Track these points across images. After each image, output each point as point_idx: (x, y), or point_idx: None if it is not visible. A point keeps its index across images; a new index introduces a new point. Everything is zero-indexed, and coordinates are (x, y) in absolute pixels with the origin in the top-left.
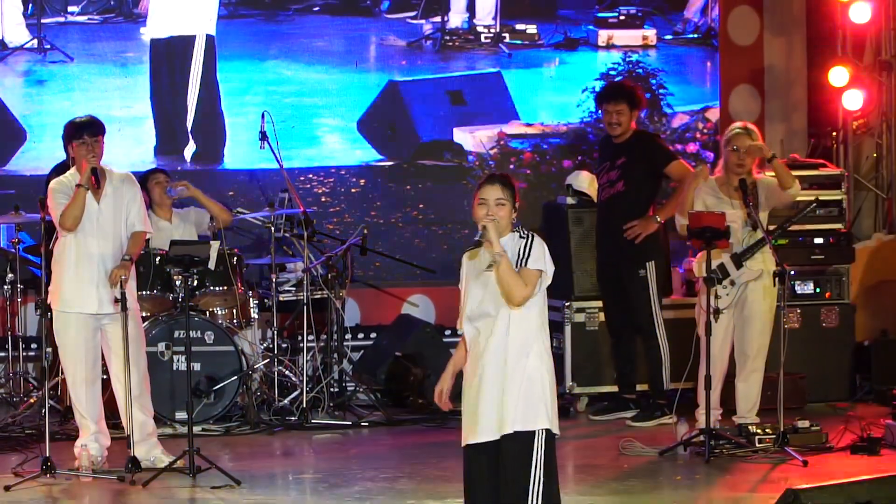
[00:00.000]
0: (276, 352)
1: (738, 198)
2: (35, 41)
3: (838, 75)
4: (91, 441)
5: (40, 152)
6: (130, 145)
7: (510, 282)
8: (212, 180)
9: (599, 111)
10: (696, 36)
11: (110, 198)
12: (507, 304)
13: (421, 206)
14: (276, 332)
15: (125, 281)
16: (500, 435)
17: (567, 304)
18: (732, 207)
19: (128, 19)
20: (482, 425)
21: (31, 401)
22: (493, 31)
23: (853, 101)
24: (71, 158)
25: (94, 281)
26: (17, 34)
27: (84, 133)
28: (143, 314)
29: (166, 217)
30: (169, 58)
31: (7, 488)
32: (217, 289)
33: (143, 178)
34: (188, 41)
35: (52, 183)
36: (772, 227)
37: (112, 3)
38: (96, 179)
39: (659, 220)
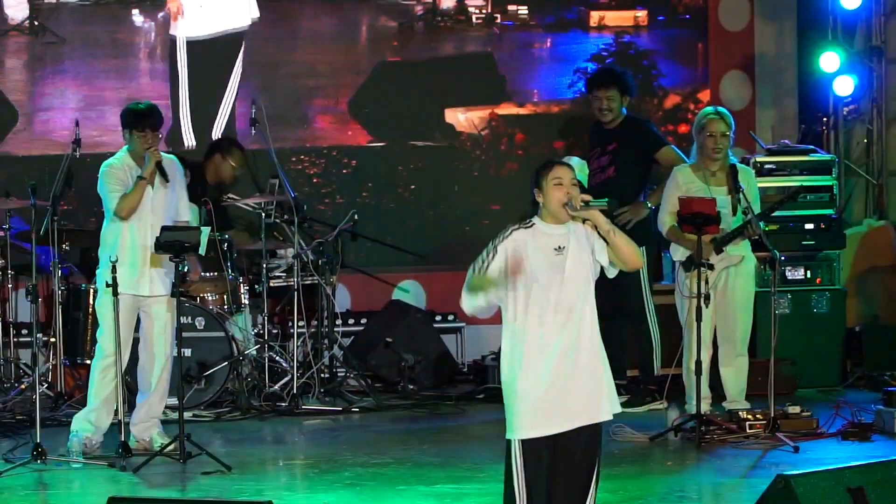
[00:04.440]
0: (266, 338)
1: (714, 183)
2: (27, 22)
3: (829, 61)
4: (88, 418)
5: (31, 134)
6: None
7: (629, 247)
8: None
9: (590, 97)
10: (687, 17)
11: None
12: (631, 268)
13: (412, 187)
14: (266, 318)
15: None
16: (594, 421)
17: None
18: (709, 193)
19: (120, 2)
20: (574, 412)
21: (22, 387)
22: (484, 11)
23: (844, 86)
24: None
25: (134, 262)
26: (18, 12)
27: (146, 126)
28: None
29: None
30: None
31: None
32: (208, 275)
33: None
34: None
35: (105, 167)
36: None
37: None
38: (164, 175)
39: (650, 205)
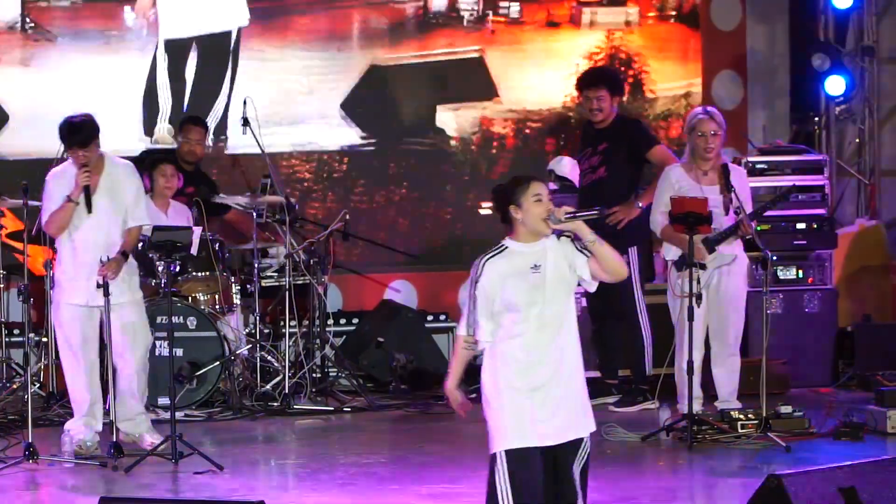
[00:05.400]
0: (258, 337)
1: (706, 183)
2: (18, 20)
3: (821, 61)
4: (80, 424)
5: (23, 135)
6: (112, 127)
7: (615, 257)
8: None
9: (580, 97)
10: (675, 14)
11: (105, 191)
12: (615, 278)
13: (403, 188)
14: (258, 318)
15: (112, 276)
16: (582, 435)
17: None
18: (702, 193)
19: (112, 0)
20: (563, 425)
21: (14, 386)
22: (476, 11)
23: (836, 86)
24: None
25: (85, 274)
26: (9, 12)
27: (74, 144)
28: None
29: (163, 209)
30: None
31: None
32: (199, 274)
33: (150, 165)
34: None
35: (50, 176)
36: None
37: None
38: (88, 199)
39: (641, 205)
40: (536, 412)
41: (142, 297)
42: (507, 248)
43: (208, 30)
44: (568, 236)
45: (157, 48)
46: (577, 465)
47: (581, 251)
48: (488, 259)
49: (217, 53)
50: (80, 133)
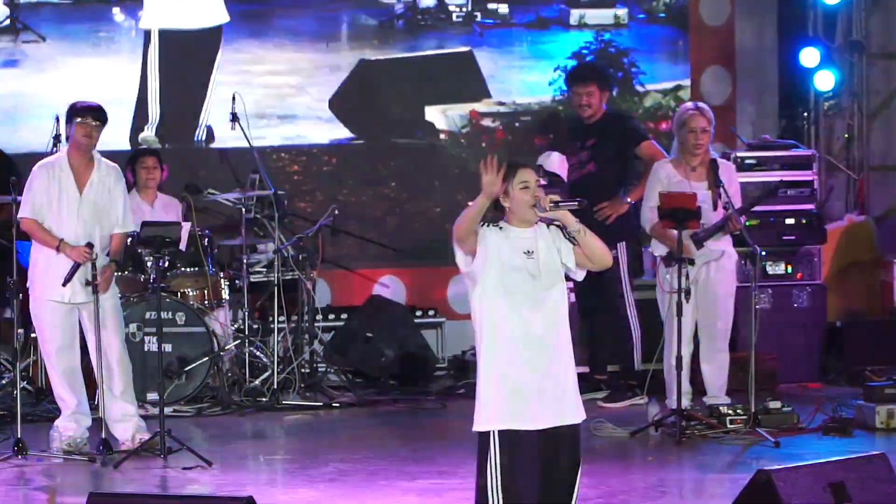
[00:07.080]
0: (247, 333)
1: (695, 178)
2: (7, 20)
3: (809, 56)
4: (69, 422)
5: (11, 133)
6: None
7: (600, 246)
8: (183, 159)
9: (569, 92)
10: (664, 15)
11: (95, 188)
12: (600, 267)
13: (392, 184)
14: (247, 313)
15: (105, 287)
16: (576, 420)
17: None
18: (690, 188)
19: (101, 0)
20: (543, 410)
21: (3, 382)
22: (464, 9)
23: (824, 81)
24: (67, 137)
25: (66, 270)
26: None
27: (89, 115)
28: None
29: (149, 201)
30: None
31: None
32: (188, 270)
33: (132, 158)
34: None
35: (37, 167)
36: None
37: None
38: (69, 276)
39: (629, 200)
40: (531, 395)
41: (118, 291)
42: (503, 227)
43: (193, 28)
44: (557, 225)
45: (145, 50)
46: (569, 453)
47: (568, 239)
48: (487, 226)
49: (202, 53)
50: (99, 110)
